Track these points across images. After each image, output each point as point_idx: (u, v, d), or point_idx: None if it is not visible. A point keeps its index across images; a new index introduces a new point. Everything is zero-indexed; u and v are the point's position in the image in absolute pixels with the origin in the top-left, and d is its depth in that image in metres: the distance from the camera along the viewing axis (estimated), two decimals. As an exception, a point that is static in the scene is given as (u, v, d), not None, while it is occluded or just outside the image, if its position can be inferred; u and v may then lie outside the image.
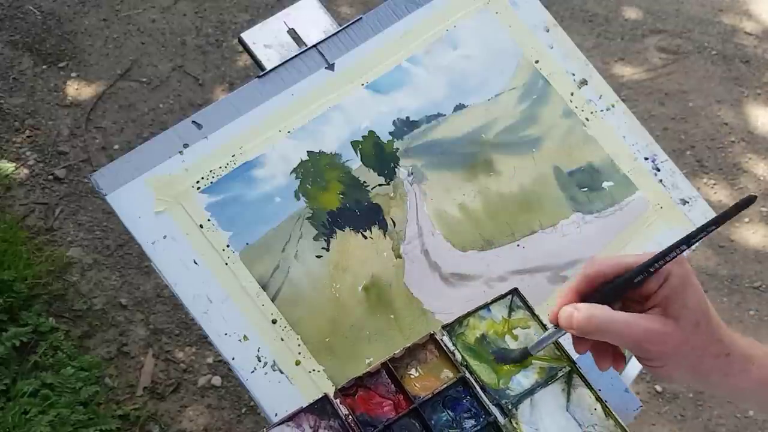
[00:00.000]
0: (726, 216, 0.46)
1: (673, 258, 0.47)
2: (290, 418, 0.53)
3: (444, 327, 0.58)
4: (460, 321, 0.59)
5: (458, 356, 0.57)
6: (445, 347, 0.57)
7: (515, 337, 0.59)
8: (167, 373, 1.53)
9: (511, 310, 0.61)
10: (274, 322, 0.60)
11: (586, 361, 0.67)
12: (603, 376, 0.67)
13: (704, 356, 0.48)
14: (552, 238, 0.69)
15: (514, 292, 0.61)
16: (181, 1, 2.20)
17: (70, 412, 1.36)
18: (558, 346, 0.59)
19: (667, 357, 0.48)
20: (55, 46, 2.05)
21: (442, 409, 0.55)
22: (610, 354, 0.52)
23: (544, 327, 0.60)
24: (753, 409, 0.51)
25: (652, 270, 0.47)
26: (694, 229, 0.48)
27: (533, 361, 0.58)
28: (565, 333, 0.52)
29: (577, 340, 0.51)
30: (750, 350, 0.50)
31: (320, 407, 0.53)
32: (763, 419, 1.58)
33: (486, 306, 0.60)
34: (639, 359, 0.50)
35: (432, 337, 0.58)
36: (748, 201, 0.44)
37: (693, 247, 0.49)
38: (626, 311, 0.48)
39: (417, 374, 0.57)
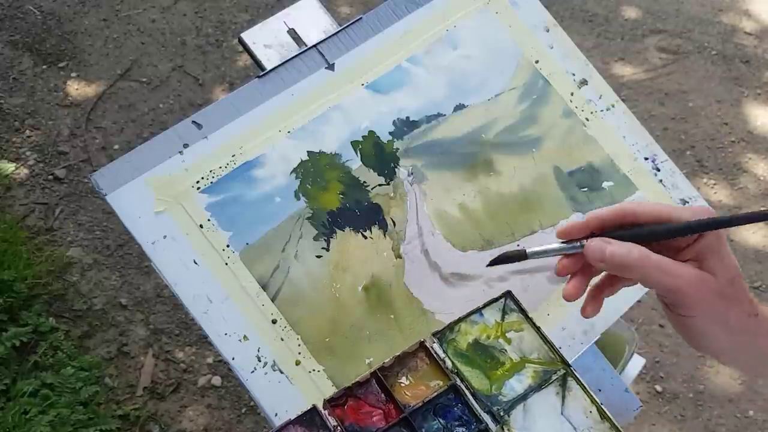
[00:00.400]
0: None
1: (720, 228, 0.47)
2: (278, 431, 0.52)
3: (434, 334, 0.57)
4: (451, 327, 0.58)
5: (449, 363, 0.56)
6: (435, 354, 0.56)
7: (508, 341, 0.59)
8: (167, 373, 1.53)
9: (504, 313, 0.60)
10: (274, 322, 0.60)
11: (581, 363, 0.67)
12: (603, 376, 0.67)
13: (733, 309, 0.48)
14: (552, 238, 0.69)
15: (508, 294, 0.60)
16: (181, 1, 2.20)
17: (70, 412, 1.36)
18: (552, 349, 0.58)
19: (701, 305, 0.48)
20: (55, 46, 2.05)
21: (432, 417, 0.54)
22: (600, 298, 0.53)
23: (538, 329, 0.59)
24: None
25: (696, 234, 0.48)
26: (749, 212, 0.48)
27: (527, 364, 0.57)
28: (571, 251, 0.51)
29: (581, 278, 0.52)
30: None
31: (309, 419, 0.53)
32: (763, 419, 1.58)
33: (478, 310, 0.59)
34: (670, 307, 0.50)
35: (422, 345, 0.57)
36: None
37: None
38: None
39: (407, 382, 0.56)
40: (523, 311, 0.60)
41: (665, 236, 0.49)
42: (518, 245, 0.68)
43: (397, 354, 0.56)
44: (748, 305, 0.49)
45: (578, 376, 0.57)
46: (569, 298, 0.53)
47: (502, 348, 0.58)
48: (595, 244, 0.49)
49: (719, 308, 0.48)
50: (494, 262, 0.56)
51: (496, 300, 0.60)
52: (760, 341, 0.50)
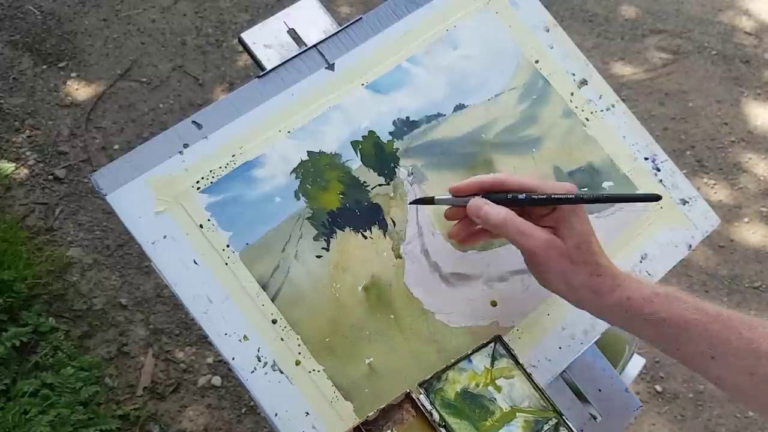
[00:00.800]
0: (630, 199, 0.58)
1: (554, 203, 0.56)
2: None
3: (421, 384, 0.56)
4: (438, 376, 0.57)
5: (436, 416, 0.54)
6: (422, 406, 0.55)
7: (498, 389, 0.57)
8: (167, 373, 1.53)
9: (493, 359, 0.59)
10: (274, 322, 0.60)
11: (581, 363, 0.67)
12: (603, 376, 0.67)
13: (578, 272, 0.56)
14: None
15: (497, 339, 0.59)
16: (181, 1, 2.20)
17: (70, 412, 1.36)
18: (543, 396, 0.57)
19: (549, 264, 0.57)
20: (55, 46, 2.05)
21: None
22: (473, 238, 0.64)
23: (529, 375, 0.58)
24: (615, 325, 0.60)
25: (537, 199, 0.57)
26: (592, 194, 0.56)
27: (518, 414, 0.56)
28: (461, 203, 0.60)
29: (465, 224, 0.62)
30: (620, 278, 0.57)
31: None
32: (763, 419, 1.58)
33: (467, 357, 0.58)
34: (527, 262, 0.59)
35: (408, 396, 0.55)
36: (655, 197, 0.54)
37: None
38: None
39: None
40: (512, 356, 0.59)
41: (522, 203, 0.58)
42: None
43: (382, 407, 0.55)
44: (592, 267, 0.56)
45: (570, 425, 0.56)
46: (453, 236, 0.63)
47: (491, 397, 0.57)
48: (474, 202, 0.59)
49: (564, 268, 0.56)
50: (413, 202, 0.65)
51: (485, 345, 0.59)
52: (598, 297, 0.57)
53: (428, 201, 0.63)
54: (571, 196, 0.56)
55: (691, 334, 0.54)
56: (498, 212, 0.57)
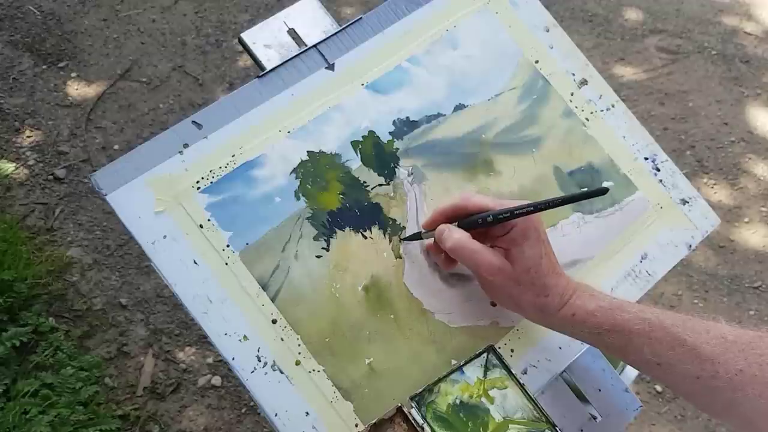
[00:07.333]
0: (578, 197, 0.58)
1: (518, 217, 0.58)
2: None
3: (413, 397, 0.55)
4: (430, 388, 0.56)
5: (428, 430, 0.54)
6: (413, 421, 0.54)
7: (491, 400, 0.56)
8: (167, 373, 1.53)
9: (486, 369, 0.58)
10: (274, 322, 0.60)
11: (581, 363, 0.67)
12: (603, 376, 0.67)
13: (526, 293, 0.59)
14: (552, 238, 0.69)
15: (490, 349, 0.59)
16: (181, 1, 2.20)
17: (70, 412, 1.36)
18: (537, 408, 0.57)
19: (497, 286, 0.60)
20: (55, 46, 2.05)
21: None
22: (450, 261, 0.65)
23: (522, 386, 0.58)
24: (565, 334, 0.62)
25: (500, 217, 0.58)
26: (548, 199, 0.57)
27: (510, 425, 0.56)
28: (431, 237, 0.63)
29: (437, 245, 0.63)
30: (567, 294, 0.59)
31: None
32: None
33: (459, 368, 0.58)
34: (479, 282, 0.63)
35: (399, 410, 0.55)
36: (602, 191, 0.54)
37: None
38: (481, 242, 0.60)
39: None
40: (505, 366, 0.58)
41: (475, 224, 0.60)
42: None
43: (373, 421, 0.54)
44: (539, 289, 0.59)
45: None
46: (444, 267, 0.65)
47: (484, 408, 0.56)
48: (439, 228, 0.62)
49: (512, 291, 0.59)
50: (404, 239, 0.66)
51: (478, 355, 0.59)
52: (545, 316, 0.60)
53: (417, 237, 0.65)
54: (530, 207, 0.57)
55: (634, 343, 0.55)
56: (451, 236, 0.60)
